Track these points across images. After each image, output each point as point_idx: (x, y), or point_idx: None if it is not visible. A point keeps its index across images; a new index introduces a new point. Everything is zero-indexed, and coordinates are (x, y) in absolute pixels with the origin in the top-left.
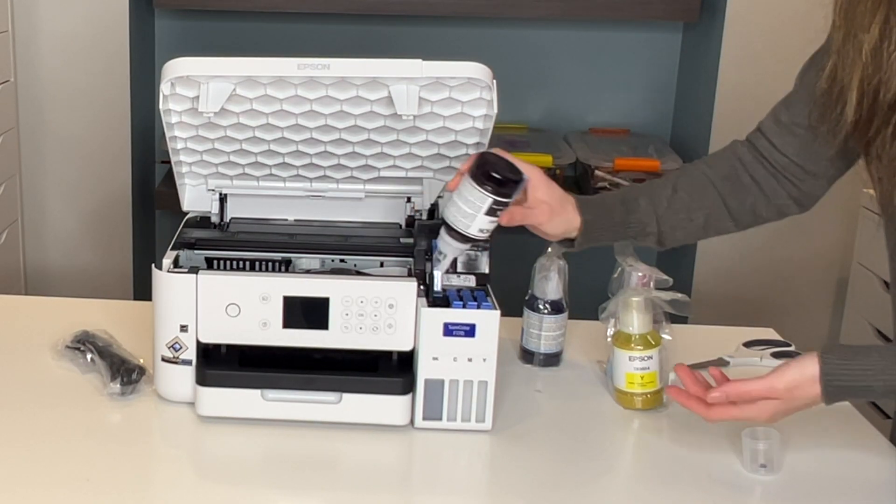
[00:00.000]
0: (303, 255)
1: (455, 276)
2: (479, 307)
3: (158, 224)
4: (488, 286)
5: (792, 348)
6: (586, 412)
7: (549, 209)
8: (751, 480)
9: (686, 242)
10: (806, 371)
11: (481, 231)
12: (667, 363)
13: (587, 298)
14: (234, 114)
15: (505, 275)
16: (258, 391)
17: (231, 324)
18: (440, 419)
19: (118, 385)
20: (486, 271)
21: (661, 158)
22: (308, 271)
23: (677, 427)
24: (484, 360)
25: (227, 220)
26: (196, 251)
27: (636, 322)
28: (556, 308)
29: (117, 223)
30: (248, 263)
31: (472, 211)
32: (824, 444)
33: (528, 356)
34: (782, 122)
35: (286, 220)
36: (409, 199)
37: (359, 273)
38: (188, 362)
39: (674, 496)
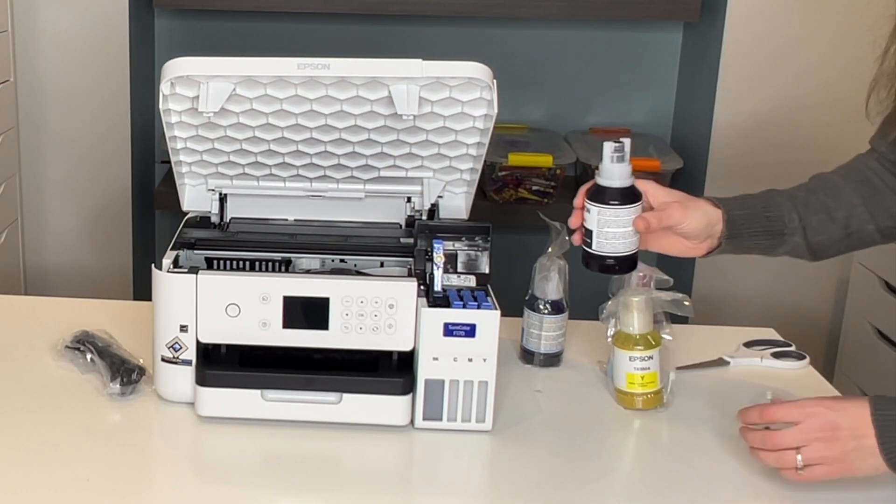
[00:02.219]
0: (303, 255)
1: (455, 276)
2: (479, 307)
3: (158, 224)
4: (488, 286)
5: (792, 348)
6: (587, 412)
7: (680, 205)
8: (753, 482)
9: (835, 250)
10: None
11: (635, 246)
12: (667, 363)
13: (587, 298)
14: (233, 114)
15: (505, 275)
16: (258, 391)
17: (231, 324)
18: (440, 419)
19: (118, 385)
20: (487, 271)
21: (661, 158)
22: (308, 271)
23: (678, 427)
24: (484, 360)
25: (227, 220)
26: (196, 251)
27: (636, 322)
28: (556, 308)
29: (117, 223)
30: (247, 263)
31: (626, 228)
32: None
33: (528, 356)
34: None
35: (286, 220)
36: (409, 199)
37: (359, 273)
38: (188, 362)
39: (675, 497)
